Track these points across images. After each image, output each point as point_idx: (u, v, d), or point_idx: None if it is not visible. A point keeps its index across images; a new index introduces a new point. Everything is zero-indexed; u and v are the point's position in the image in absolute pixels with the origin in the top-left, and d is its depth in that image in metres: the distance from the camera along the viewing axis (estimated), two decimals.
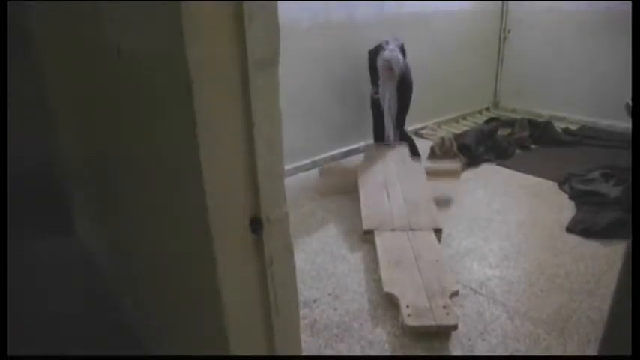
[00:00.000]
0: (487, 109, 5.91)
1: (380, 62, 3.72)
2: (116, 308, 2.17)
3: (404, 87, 3.81)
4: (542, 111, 5.45)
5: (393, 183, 3.44)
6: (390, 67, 3.66)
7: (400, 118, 3.95)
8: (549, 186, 3.69)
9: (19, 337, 1.79)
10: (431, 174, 3.58)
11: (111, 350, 1.86)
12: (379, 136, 4.09)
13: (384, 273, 2.47)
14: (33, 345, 1.90)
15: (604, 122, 4.98)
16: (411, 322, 2.12)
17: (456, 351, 2.07)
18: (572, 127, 5.03)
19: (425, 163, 4.03)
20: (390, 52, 3.68)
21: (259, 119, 1.05)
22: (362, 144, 4.39)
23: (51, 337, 2.00)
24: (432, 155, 4.28)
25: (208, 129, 0.99)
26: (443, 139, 4.35)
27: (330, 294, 2.47)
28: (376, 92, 3.91)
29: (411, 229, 2.89)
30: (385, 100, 3.83)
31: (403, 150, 3.93)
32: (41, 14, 2.09)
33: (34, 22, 2.26)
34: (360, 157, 4.18)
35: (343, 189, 3.58)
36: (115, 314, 2.14)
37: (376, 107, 3.98)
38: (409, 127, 4.44)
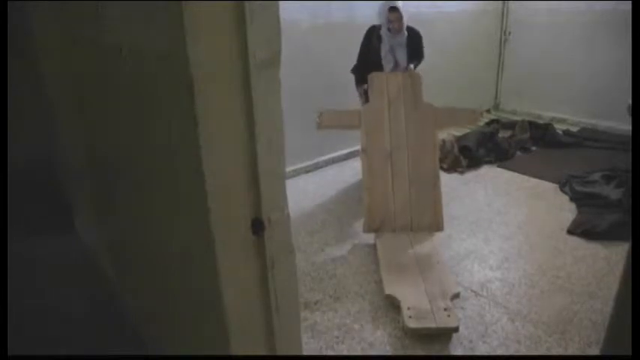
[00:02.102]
0: (488, 111, 5.90)
1: (380, 15, 3.42)
2: (116, 308, 2.16)
3: (415, 38, 3.52)
4: (543, 113, 5.45)
5: (401, 146, 2.99)
6: (394, 9, 3.33)
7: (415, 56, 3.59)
8: (550, 187, 3.69)
9: (19, 337, 1.78)
10: (444, 121, 3.17)
11: (111, 350, 1.85)
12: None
13: (384, 275, 2.47)
14: (33, 345, 1.90)
15: (604, 124, 4.98)
16: (412, 324, 2.11)
17: (457, 353, 2.06)
18: (573, 129, 5.03)
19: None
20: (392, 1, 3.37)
21: (260, 120, 1.04)
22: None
23: (51, 337, 1.99)
24: None
25: (209, 129, 0.99)
26: (444, 141, 4.34)
27: (330, 296, 2.46)
28: (365, 93, 3.46)
29: (412, 230, 2.88)
30: (399, 60, 3.49)
31: (415, 81, 3.19)
32: (41, 14, 2.09)
33: (34, 22, 2.25)
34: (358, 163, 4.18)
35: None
36: (115, 314, 2.13)
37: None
38: None
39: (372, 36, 3.58)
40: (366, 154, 3.01)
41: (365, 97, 3.52)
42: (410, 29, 3.53)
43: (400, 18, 3.41)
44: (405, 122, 3.06)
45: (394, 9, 3.40)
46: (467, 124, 3.55)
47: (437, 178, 2.97)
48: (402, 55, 3.53)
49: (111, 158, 1.80)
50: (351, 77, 3.98)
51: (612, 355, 1.27)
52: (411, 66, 3.58)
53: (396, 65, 3.55)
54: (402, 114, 3.08)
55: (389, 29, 3.46)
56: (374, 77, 3.21)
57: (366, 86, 3.47)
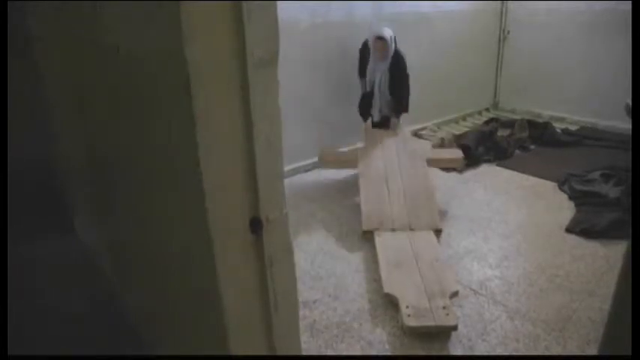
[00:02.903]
0: (487, 109, 5.91)
1: (370, 38, 3.58)
2: (116, 308, 2.17)
3: (396, 69, 3.65)
4: (542, 111, 5.46)
5: (394, 173, 3.31)
6: (381, 38, 3.53)
7: (399, 104, 3.78)
8: (549, 186, 3.69)
9: (19, 337, 1.79)
10: (432, 162, 3.46)
11: (111, 350, 1.85)
12: (364, 110, 3.96)
13: (383, 273, 2.47)
14: (33, 345, 1.90)
15: (603, 123, 4.98)
16: (410, 322, 2.12)
17: (456, 351, 2.07)
18: (572, 128, 5.03)
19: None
20: (381, 28, 3.58)
21: (258, 119, 1.05)
22: (361, 145, 4.38)
23: (51, 337, 1.99)
24: None
25: (207, 129, 0.99)
26: (443, 139, 4.36)
27: (329, 295, 2.47)
28: (366, 86, 3.81)
29: (411, 230, 2.89)
30: (376, 81, 3.67)
31: (404, 133, 3.78)
32: (41, 14, 2.09)
33: (34, 21, 2.26)
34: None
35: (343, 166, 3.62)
36: (115, 314, 2.13)
37: (366, 98, 3.88)
38: (409, 128, 4.44)
39: (365, 50, 3.79)
40: (363, 177, 3.31)
41: (363, 87, 3.86)
42: (396, 56, 3.66)
43: (386, 47, 3.58)
44: (398, 158, 3.48)
45: (380, 38, 3.57)
46: (450, 166, 3.74)
47: (431, 194, 3.17)
48: (380, 81, 3.71)
49: (111, 158, 1.80)
50: (351, 76, 4.00)
51: (612, 356, 1.28)
52: (396, 122, 3.88)
53: (373, 88, 3.78)
54: (395, 152, 3.54)
55: (373, 54, 3.67)
56: (368, 131, 3.80)
57: (366, 79, 3.81)
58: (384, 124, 3.92)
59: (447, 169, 4.06)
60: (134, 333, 2.00)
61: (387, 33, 3.58)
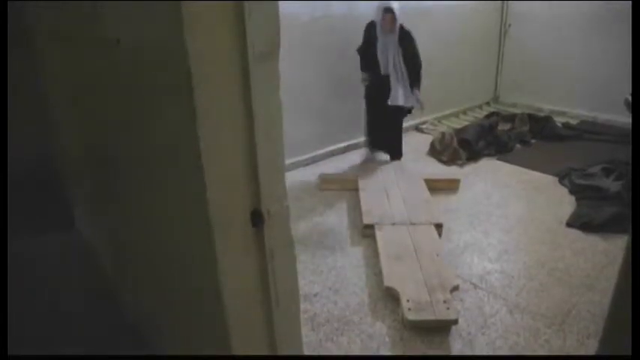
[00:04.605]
0: (487, 103, 5.89)
1: (376, 13, 3.49)
2: (116, 308, 2.17)
3: (407, 41, 3.56)
4: (543, 105, 5.45)
5: (393, 186, 3.45)
6: (389, 10, 3.45)
7: (416, 75, 3.68)
8: (549, 180, 3.69)
9: (19, 337, 1.78)
10: (429, 184, 3.51)
11: (111, 350, 1.85)
12: (374, 140, 4.02)
13: (384, 267, 2.48)
14: (33, 344, 1.90)
15: (604, 117, 4.97)
16: (411, 316, 2.12)
17: (456, 345, 2.07)
18: (573, 122, 5.02)
19: (424, 159, 4.07)
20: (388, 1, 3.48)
21: (259, 113, 1.04)
22: (361, 139, 4.38)
23: (50, 336, 1.99)
24: (432, 150, 4.27)
25: (208, 122, 0.99)
26: (443, 133, 4.35)
27: (330, 288, 2.47)
28: (367, 79, 3.76)
29: (412, 224, 2.89)
30: (389, 58, 3.58)
31: (400, 163, 3.98)
32: (41, 13, 2.08)
33: (34, 18, 2.24)
34: (357, 156, 4.22)
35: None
36: (115, 314, 2.13)
37: (370, 100, 3.85)
38: (410, 122, 4.42)
39: (371, 30, 3.69)
40: (363, 190, 3.42)
41: (365, 81, 3.80)
42: (400, 29, 3.59)
43: (393, 20, 3.51)
44: (396, 177, 3.63)
45: (389, 10, 3.50)
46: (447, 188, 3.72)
47: (429, 201, 3.25)
48: (394, 55, 3.62)
49: (111, 156, 1.79)
50: (351, 71, 3.98)
51: (612, 356, 1.28)
52: (417, 93, 3.75)
53: (388, 64, 3.67)
54: (393, 173, 3.72)
55: (381, 27, 3.57)
56: (367, 160, 3.99)
57: (365, 76, 3.78)
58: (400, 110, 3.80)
59: (447, 163, 4.07)
60: (134, 333, 2.00)
61: (395, 5, 3.49)
